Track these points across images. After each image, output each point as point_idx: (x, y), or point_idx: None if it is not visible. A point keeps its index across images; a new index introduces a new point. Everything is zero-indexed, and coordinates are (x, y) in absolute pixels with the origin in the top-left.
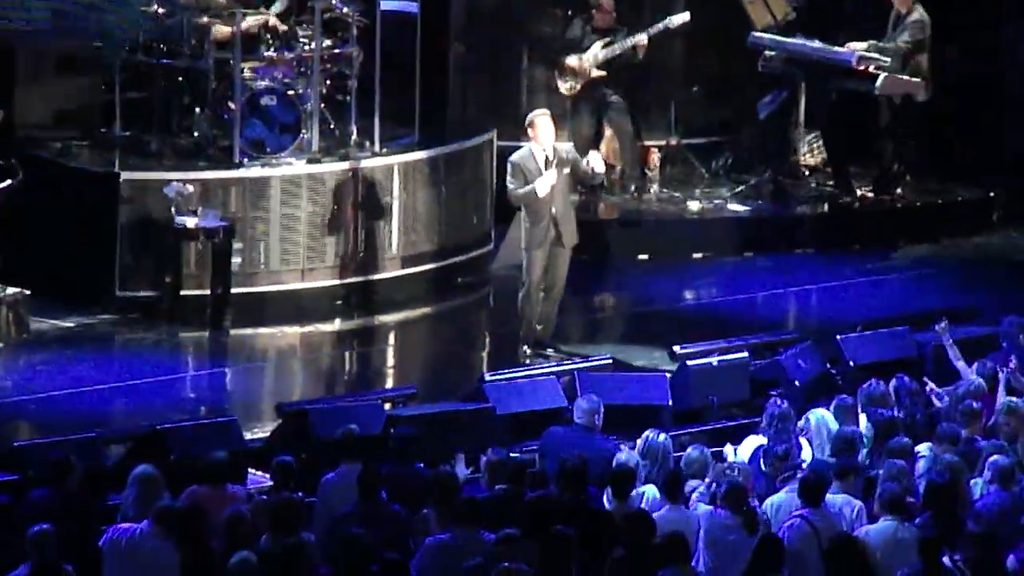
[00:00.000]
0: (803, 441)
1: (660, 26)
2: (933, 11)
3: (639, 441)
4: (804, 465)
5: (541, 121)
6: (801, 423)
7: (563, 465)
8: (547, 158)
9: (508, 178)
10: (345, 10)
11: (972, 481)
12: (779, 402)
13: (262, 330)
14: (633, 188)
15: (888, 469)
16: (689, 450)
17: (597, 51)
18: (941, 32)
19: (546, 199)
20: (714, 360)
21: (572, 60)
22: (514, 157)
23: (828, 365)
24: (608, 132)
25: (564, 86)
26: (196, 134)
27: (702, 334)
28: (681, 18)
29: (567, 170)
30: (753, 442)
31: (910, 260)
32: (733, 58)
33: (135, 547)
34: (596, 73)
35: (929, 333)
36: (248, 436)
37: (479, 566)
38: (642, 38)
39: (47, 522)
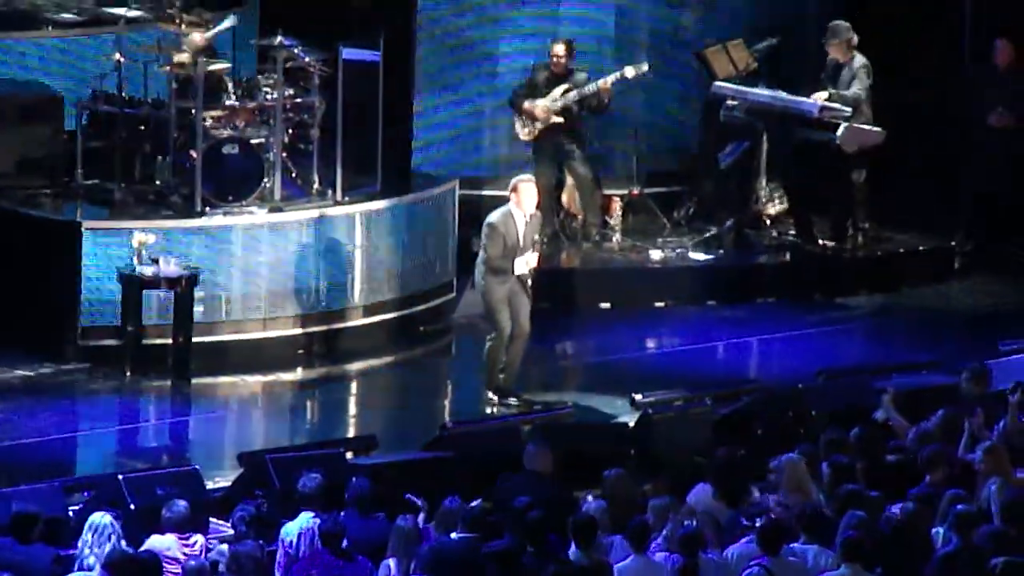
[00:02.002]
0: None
1: (617, 75)
2: (889, 53)
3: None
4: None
5: (525, 187)
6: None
7: (523, 515)
8: (526, 223)
9: (484, 240)
10: (307, 59)
11: (934, 530)
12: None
13: (224, 379)
14: (595, 236)
15: (849, 517)
16: (654, 501)
17: (556, 96)
18: (898, 76)
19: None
20: (675, 409)
21: (530, 105)
22: (494, 220)
23: (790, 414)
24: (569, 180)
25: (523, 131)
26: (158, 183)
27: (664, 383)
28: (639, 68)
29: (536, 235)
30: (701, 490)
31: (871, 309)
32: (695, 107)
33: None
34: (555, 119)
35: (891, 380)
36: (210, 485)
37: None
38: (606, 81)
39: (7, 572)
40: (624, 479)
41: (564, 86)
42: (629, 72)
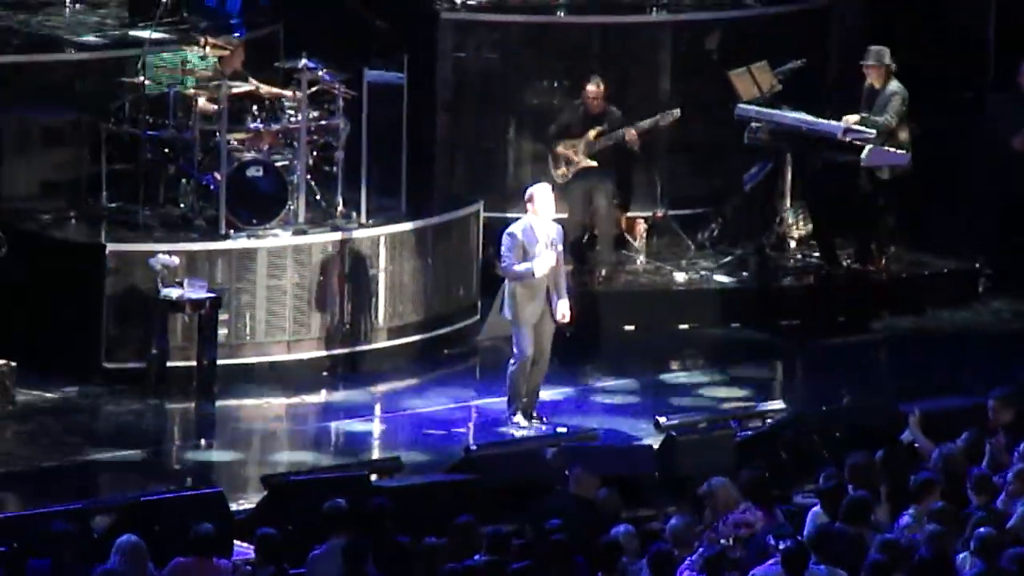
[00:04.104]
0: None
1: (650, 121)
2: (912, 76)
3: None
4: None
5: (541, 194)
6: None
7: (548, 536)
8: (546, 231)
9: (504, 251)
10: (331, 82)
11: (960, 555)
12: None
13: (248, 401)
14: (602, 272)
15: (877, 541)
16: (673, 520)
17: (590, 139)
18: (923, 100)
19: (543, 276)
20: (700, 431)
21: (566, 148)
22: (514, 230)
23: (814, 436)
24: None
25: (557, 173)
26: (182, 205)
27: (688, 405)
28: (672, 115)
29: (559, 247)
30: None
31: (896, 331)
32: (720, 130)
33: None
34: (587, 163)
35: (916, 403)
36: (234, 508)
37: None
38: (631, 132)
39: None
40: (613, 498)
41: (598, 128)
42: (663, 120)
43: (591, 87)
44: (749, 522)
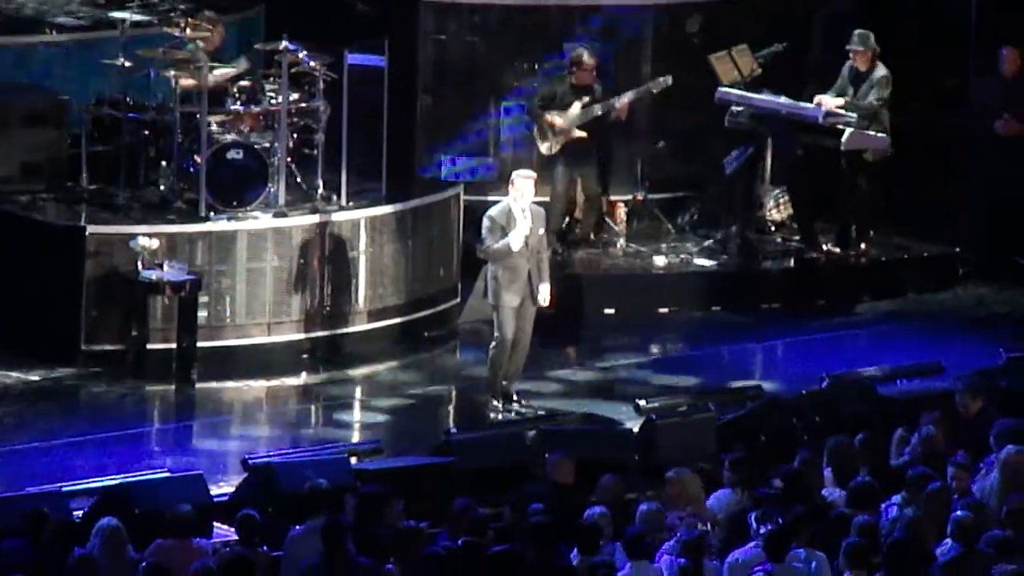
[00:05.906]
0: None
1: (642, 89)
2: (896, 62)
3: None
4: None
5: (523, 181)
6: None
7: (530, 520)
8: (524, 216)
9: (484, 233)
10: (312, 64)
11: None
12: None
13: (228, 384)
14: (582, 256)
15: (854, 524)
16: (642, 505)
17: (577, 111)
18: (904, 84)
19: (523, 257)
20: (680, 415)
21: (555, 118)
22: (492, 212)
23: (794, 420)
24: (579, 188)
25: (543, 145)
26: (162, 188)
27: (668, 389)
28: (664, 82)
29: (541, 230)
30: (722, 496)
31: (875, 315)
32: (700, 113)
33: None
34: (577, 134)
35: (895, 385)
36: (214, 490)
37: None
38: (623, 101)
39: (20, 573)
40: (620, 484)
41: (585, 99)
42: (654, 87)
43: (587, 59)
44: (671, 529)
